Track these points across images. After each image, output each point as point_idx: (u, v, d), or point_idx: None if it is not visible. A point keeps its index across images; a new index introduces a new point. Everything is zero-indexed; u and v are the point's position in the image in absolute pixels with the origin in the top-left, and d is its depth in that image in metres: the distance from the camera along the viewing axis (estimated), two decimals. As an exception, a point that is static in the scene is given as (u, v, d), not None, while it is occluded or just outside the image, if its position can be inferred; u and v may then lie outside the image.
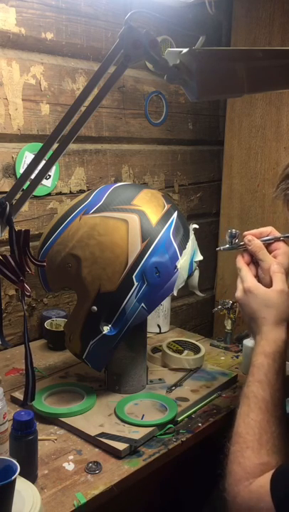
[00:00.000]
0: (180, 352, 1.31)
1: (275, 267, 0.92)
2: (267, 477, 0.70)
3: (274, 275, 0.91)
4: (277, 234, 0.97)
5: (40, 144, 1.12)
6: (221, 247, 1.02)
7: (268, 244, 0.96)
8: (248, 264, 0.95)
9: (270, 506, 0.68)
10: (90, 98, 0.82)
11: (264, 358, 0.84)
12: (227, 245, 1.01)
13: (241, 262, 0.96)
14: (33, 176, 0.86)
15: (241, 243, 0.98)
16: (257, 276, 0.94)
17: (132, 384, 1.13)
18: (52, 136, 0.82)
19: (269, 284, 0.91)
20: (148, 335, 1.26)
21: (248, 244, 0.95)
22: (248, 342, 1.25)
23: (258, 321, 0.88)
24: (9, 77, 1.30)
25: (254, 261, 0.96)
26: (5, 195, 0.86)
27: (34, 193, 0.92)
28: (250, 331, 0.92)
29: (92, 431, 0.97)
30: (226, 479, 0.76)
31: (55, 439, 0.97)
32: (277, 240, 0.96)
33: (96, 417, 1.03)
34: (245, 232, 0.97)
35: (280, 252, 0.95)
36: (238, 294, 0.92)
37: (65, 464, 0.90)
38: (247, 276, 0.92)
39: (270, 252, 0.95)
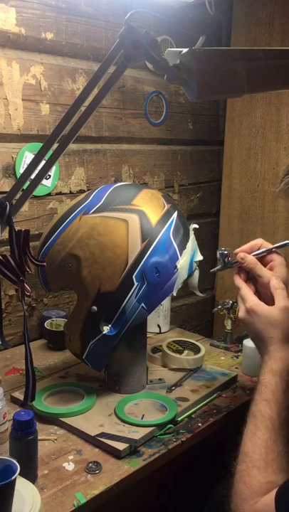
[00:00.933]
0: (180, 352, 1.31)
1: (274, 282, 0.90)
2: (272, 495, 0.70)
3: (275, 292, 0.89)
4: (268, 245, 0.96)
5: (40, 144, 1.12)
6: (215, 268, 1.02)
7: (261, 258, 0.95)
8: (246, 282, 0.94)
9: None
10: (90, 98, 0.82)
11: (271, 377, 0.83)
12: (220, 266, 1.00)
13: (239, 280, 0.95)
14: (33, 176, 0.86)
15: (234, 261, 0.97)
16: (257, 292, 0.93)
17: (132, 384, 1.13)
18: (52, 136, 0.82)
19: (270, 299, 0.90)
20: (148, 335, 1.26)
21: (242, 262, 0.94)
22: (248, 342, 1.25)
23: (265, 341, 0.87)
24: (9, 77, 1.30)
25: (251, 277, 0.95)
26: (5, 195, 0.86)
27: (34, 193, 0.92)
28: (257, 349, 0.91)
29: (92, 431, 0.97)
30: (232, 499, 0.76)
31: (55, 439, 0.97)
32: (269, 251, 0.95)
33: (96, 417, 1.03)
34: (237, 250, 0.96)
35: (276, 264, 0.94)
36: (241, 314, 0.91)
37: (65, 464, 0.90)
38: (248, 295, 0.91)
39: (265, 265, 0.94)
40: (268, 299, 0.90)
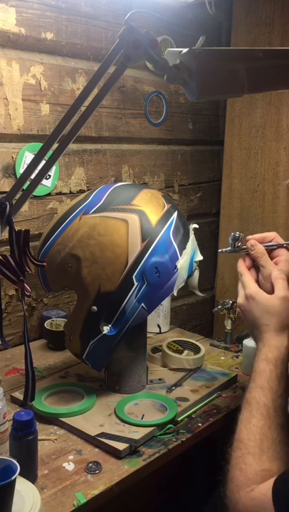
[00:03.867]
0: (180, 352, 1.31)
1: (276, 273, 0.91)
2: (269, 484, 0.70)
3: (275, 281, 0.90)
4: (281, 240, 0.97)
5: (40, 144, 1.12)
6: (223, 249, 1.02)
7: (270, 250, 0.96)
8: (249, 269, 0.95)
9: None
10: (90, 98, 0.82)
11: (266, 364, 0.84)
12: (229, 248, 1.00)
13: (243, 266, 0.95)
14: (33, 176, 0.86)
15: (244, 247, 0.97)
16: (257, 281, 0.93)
17: (132, 384, 1.13)
18: (52, 136, 0.82)
19: (270, 291, 0.90)
20: (148, 335, 1.26)
21: (251, 249, 0.95)
22: (248, 342, 1.25)
23: (260, 328, 0.88)
24: (9, 77, 1.30)
25: (255, 266, 0.95)
26: (5, 195, 0.86)
27: (34, 193, 0.92)
28: (252, 337, 0.92)
29: (92, 431, 0.97)
30: (227, 486, 0.76)
31: (55, 439, 0.97)
32: (280, 246, 0.96)
33: (96, 417, 1.03)
34: (249, 237, 0.97)
35: (282, 259, 0.94)
36: (240, 300, 0.92)
37: (65, 464, 0.90)
38: (249, 282, 0.92)
39: (271, 259, 0.95)
40: (267, 290, 0.91)
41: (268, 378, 0.82)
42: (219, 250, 1.06)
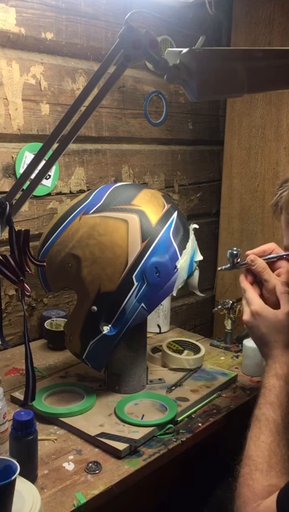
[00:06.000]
0: (180, 352, 1.31)
1: (280, 287, 0.90)
2: (273, 498, 0.70)
3: (281, 296, 0.89)
4: (280, 251, 0.96)
5: (40, 144, 1.12)
6: (223, 267, 1.02)
7: (271, 263, 0.95)
8: (252, 285, 0.94)
9: None
10: (90, 98, 0.82)
11: (276, 380, 0.83)
12: (229, 265, 1.00)
13: (245, 282, 0.95)
14: (33, 176, 0.86)
15: (243, 262, 0.97)
16: (262, 295, 0.93)
17: (132, 384, 1.13)
18: (52, 136, 0.82)
19: (275, 304, 0.90)
20: (148, 335, 1.26)
21: (252, 265, 0.94)
22: (248, 342, 1.25)
23: (269, 344, 0.87)
24: (9, 77, 1.30)
25: (257, 280, 0.95)
26: (5, 195, 0.86)
27: (34, 193, 0.92)
28: (261, 353, 0.91)
29: (92, 431, 0.97)
30: (235, 502, 0.76)
31: (55, 439, 0.97)
32: (280, 258, 0.95)
33: (96, 417, 1.03)
34: (248, 252, 0.96)
35: (284, 271, 0.94)
36: (246, 317, 0.91)
37: (65, 464, 0.90)
38: (254, 298, 0.91)
39: (273, 270, 0.94)
40: (271, 304, 0.90)
41: (277, 394, 0.82)
42: (219, 268, 1.06)
